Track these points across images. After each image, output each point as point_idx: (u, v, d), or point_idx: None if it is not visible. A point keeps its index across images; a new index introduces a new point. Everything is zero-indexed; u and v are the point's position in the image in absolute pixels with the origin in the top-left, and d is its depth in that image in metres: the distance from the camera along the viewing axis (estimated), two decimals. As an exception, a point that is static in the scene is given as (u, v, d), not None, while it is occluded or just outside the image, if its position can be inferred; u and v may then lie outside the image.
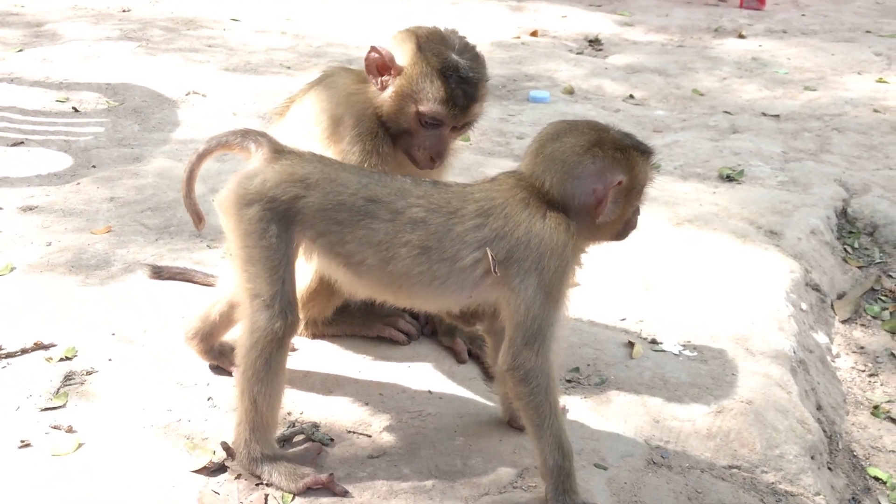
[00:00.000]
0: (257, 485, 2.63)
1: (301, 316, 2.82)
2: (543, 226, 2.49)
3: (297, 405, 2.99)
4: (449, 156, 3.22)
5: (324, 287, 3.08)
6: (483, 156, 5.46)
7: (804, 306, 4.08)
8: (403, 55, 3.06)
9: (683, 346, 3.55)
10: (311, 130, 3.10)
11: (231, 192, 2.62)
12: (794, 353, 3.64)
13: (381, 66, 3.06)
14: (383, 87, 3.08)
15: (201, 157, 2.75)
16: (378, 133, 3.09)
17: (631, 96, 7.11)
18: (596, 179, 2.51)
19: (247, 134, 2.73)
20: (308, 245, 2.65)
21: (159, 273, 3.73)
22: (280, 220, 2.57)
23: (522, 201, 2.54)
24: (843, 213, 5.08)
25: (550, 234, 2.48)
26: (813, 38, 9.21)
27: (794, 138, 6.17)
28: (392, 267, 2.56)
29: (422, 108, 3.03)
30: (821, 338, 4.09)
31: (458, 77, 3.00)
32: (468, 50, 3.10)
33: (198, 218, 2.80)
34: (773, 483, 2.94)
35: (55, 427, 2.83)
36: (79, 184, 4.75)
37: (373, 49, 3.05)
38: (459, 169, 4.90)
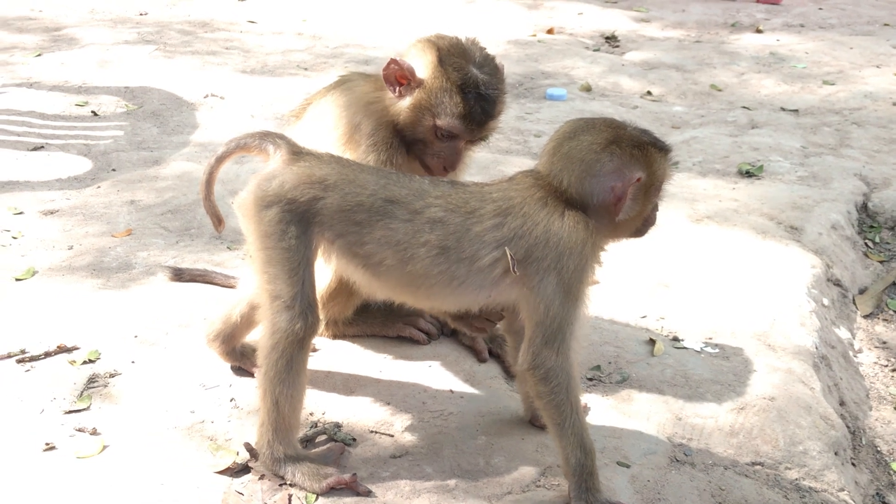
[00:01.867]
0: (281, 485, 2.64)
1: (321, 316, 2.83)
2: (562, 224, 2.49)
3: (319, 405, 3.00)
4: (462, 165, 3.24)
5: (343, 287, 3.08)
6: (500, 154, 5.45)
7: (826, 302, 4.06)
8: (423, 67, 3.06)
9: (705, 342, 3.54)
10: (328, 134, 3.12)
11: (250, 193, 2.63)
12: (817, 348, 3.62)
13: (399, 76, 3.07)
14: (401, 96, 3.08)
15: (220, 159, 2.76)
16: (393, 143, 3.11)
17: (648, 93, 7.09)
18: (614, 177, 2.51)
19: (265, 136, 2.74)
20: (327, 246, 2.66)
21: (180, 275, 3.74)
22: (299, 221, 2.58)
23: (541, 200, 2.54)
24: (863, 208, 5.05)
25: (569, 233, 2.48)
26: (831, 32, 9.16)
27: (814, 133, 6.14)
28: (411, 267, 2.57)
29: (439, 122, 3.04)
30: (843, 333, 4.07)
31: (476, 93, 3.01)
32: (488, 63, 3.10)
33: (217, 220, 2.83)
34: (796, 479, 2.93)
35: (79, 430, 2.85)
36: (99, 187, 4.78)
37: (392, 61, 3.05)
38: (477, 168, 4.91)
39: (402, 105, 3.08)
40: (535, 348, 2.52)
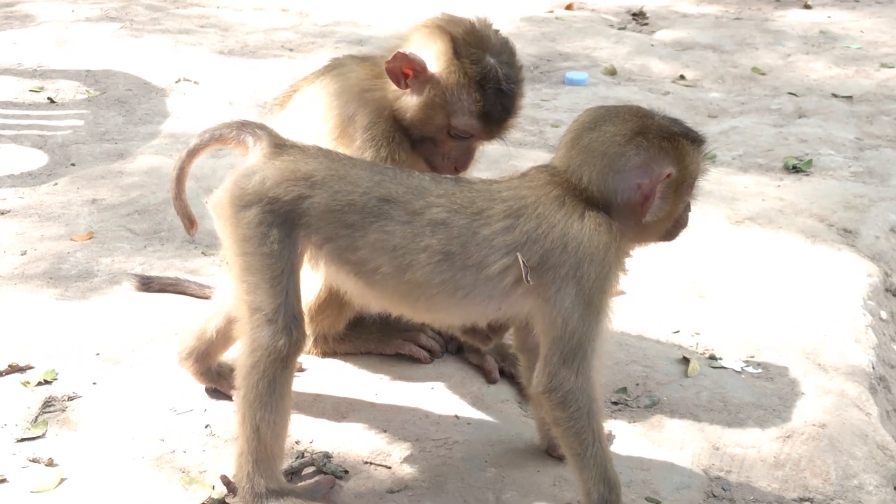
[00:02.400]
0: (261, 524, 2.65)
1: (309, 331, 2.84)
2: (581, 227, 2.49)
3: (307, 433, 3.00)
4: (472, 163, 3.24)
5: (333, 298, 3.08)
6: (513, 147, 5.42)
7: (884, 315, 4.05)
8: (436, 59, 3.04)
9: (746, 361, 3.54)
10: (317, 126, 3.11)
11: (227, 192, 2.63)
12: (873, 368, 3.62)
13: (406, 68, 3.05)
14: (405, 90, 3.07)
15: (193, 153, 2.77)
16: (394, 137, 3.10)
17: (681, 77, 7.10)
18: (641, 173, 2.51)
19: (244, 126, 2.74)
20: (314, 251, 2.66)
21: (148, 284, 3.75)
22: (282, 223, 2.58)
23: (557, 199, 2.54)
24: (927, 208, 5.05)
25: (590, 237, 2.48)
26: (889, 8, 9.16)
27: (870, 123, 6.14)
28: (409, 275, 2.57)
29: (454, 122, 3.05)
30: (903, 351, 4.07)
31: (497, 89, 3.01)
32: (506, 50, 3.10)
33: (189, 222, 2.82)
34: (850, 518, 2.93)
35: (34, 460, 2.85)
36: (56, 184, 4.79)
37: (400, 55, 3.01)
38: (486, 162, 4.91)
39: (410, 102, 3.07)
40: (552, 368, 2.52)
